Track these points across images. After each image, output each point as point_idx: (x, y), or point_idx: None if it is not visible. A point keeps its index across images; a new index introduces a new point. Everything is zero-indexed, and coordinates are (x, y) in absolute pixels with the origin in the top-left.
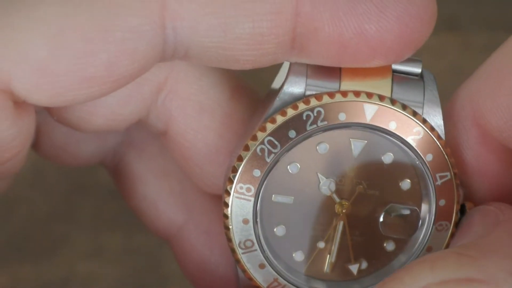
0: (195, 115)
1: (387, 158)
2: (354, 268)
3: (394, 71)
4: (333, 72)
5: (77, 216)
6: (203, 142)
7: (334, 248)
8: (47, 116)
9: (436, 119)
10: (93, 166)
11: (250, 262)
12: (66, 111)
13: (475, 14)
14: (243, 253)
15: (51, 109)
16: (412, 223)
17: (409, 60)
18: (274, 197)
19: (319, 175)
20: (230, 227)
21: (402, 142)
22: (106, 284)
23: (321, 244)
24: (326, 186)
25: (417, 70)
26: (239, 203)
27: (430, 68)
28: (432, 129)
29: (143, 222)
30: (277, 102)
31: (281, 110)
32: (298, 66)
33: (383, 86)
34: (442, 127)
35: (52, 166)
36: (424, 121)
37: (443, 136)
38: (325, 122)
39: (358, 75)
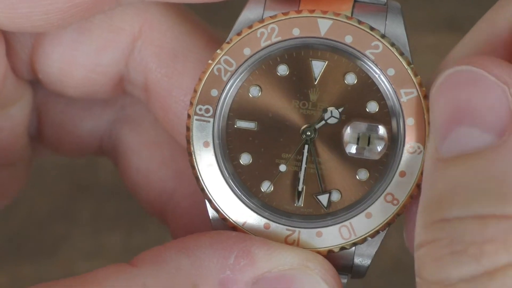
0: (169, 62)
1: (350, 78)
2: (323, 198)
3: (357, 1)
4: (292, 0)
5: (77, 216)
6: (179, 88)
7: (301, 175)
8: (45, 96)
9: (400, 39)
10: (94, 157)
11: (214, 190)
12: (47, 63)
13: (475, 14)
14: (206, 180)
15: (33, 63)
16: (377, 140)
17: None
18: (237, 123)
19: (281, 98)
20: (192, 152)
21: (362, 60)
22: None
23: (283, 168)
24: (289, 110)
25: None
26: (199, 125)
27: (430, 67)
28: (392, 44)
29: (138, 198)
30: (235, 27)
31: (238, 32)
32: None
33: (343, 11)
34: (407, 47)
35: (53, 166)
36: (383, 36)
37: (408, 55)
38: (279, 38)
39: (318, 5)
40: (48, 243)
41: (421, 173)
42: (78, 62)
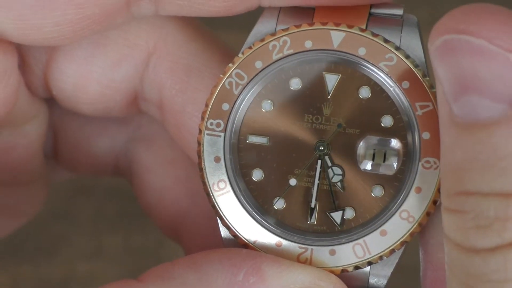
0: (184, 77)
1: (364, 92)
2: (337, 216)
3: (372, 14)
4: (305, 14)
5: (77, 216)
6: (193, 104)
7: (313, 191)
8: (61, 114)
9: (416, 52)
10: (111, 176)
11: (225, 206)
12: (61, 79)
13: None
14: (217, 196)
15: (47, 78)
16: (393, 156)
17: (390, 6)
18: (249, 138)
19: (294, 113)
20: (203, 167)
21: (375, 73)
22: (106, 284)
23: (293, 182)
24: (302, 124)
25: (398, 12)
26: (210, 140)
27: (430, 68)
28: (407, 56)
29: (153, 218)
30: (248, 40)
31: (250, 45)
32: (271, 9)
33: (358, 25)
34: (423, 59)
35: None
36: (398, 49)
37: (424, 68)
38: (291, 51)
39: (332, 18)
40: (48, 243)
41: (438, 190)
42: (92, 77)
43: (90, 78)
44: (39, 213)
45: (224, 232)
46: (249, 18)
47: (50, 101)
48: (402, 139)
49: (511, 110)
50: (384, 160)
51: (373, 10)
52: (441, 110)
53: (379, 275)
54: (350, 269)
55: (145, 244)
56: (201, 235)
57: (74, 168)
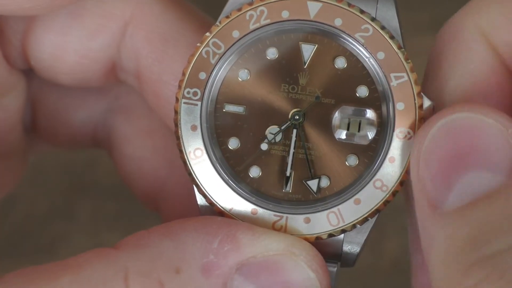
0: (160, 47)
1: (340, 62)
2: (313, 184)
3: None
4: None
5: (76, 215)
6: (169, 73)
7: (289, 160)
8: (39, 86)
9: (391, 23)
10: (94, 156)
11: (202, 174)
12: (39, 49)
13: None
14: (194, 164)
15: (25, 49)
16: (368, 125)
17: None
18: (226, 107)
19: (270, 82)
20: (180, 136)
21: (351, 43)
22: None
23: (264, 146)
24: (278, 93)
25: None
26: (187, 109)
27: None
28: (382, 27)
29: (131, 188)
30: (225, 9)
31: (227, 15)
32: None
33: None
34: (399, 30)
35: (52, 165)
36: (373, 20)
37: (400, 40)
38: (268, 20)
39: None
40: (47, 242)
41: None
42: (69, 47)
43: (67, 48)
44: (38, 212)
45: (200, 199)
46: None
47: (29, 74)
48: (377, 109)
49: (509, 179)
50: (359, 130)
51: None
52: (421, 211)
53: (353, 242)
54: (324, 236)
55: None
56: (179, 205)
57: (53, 140)
